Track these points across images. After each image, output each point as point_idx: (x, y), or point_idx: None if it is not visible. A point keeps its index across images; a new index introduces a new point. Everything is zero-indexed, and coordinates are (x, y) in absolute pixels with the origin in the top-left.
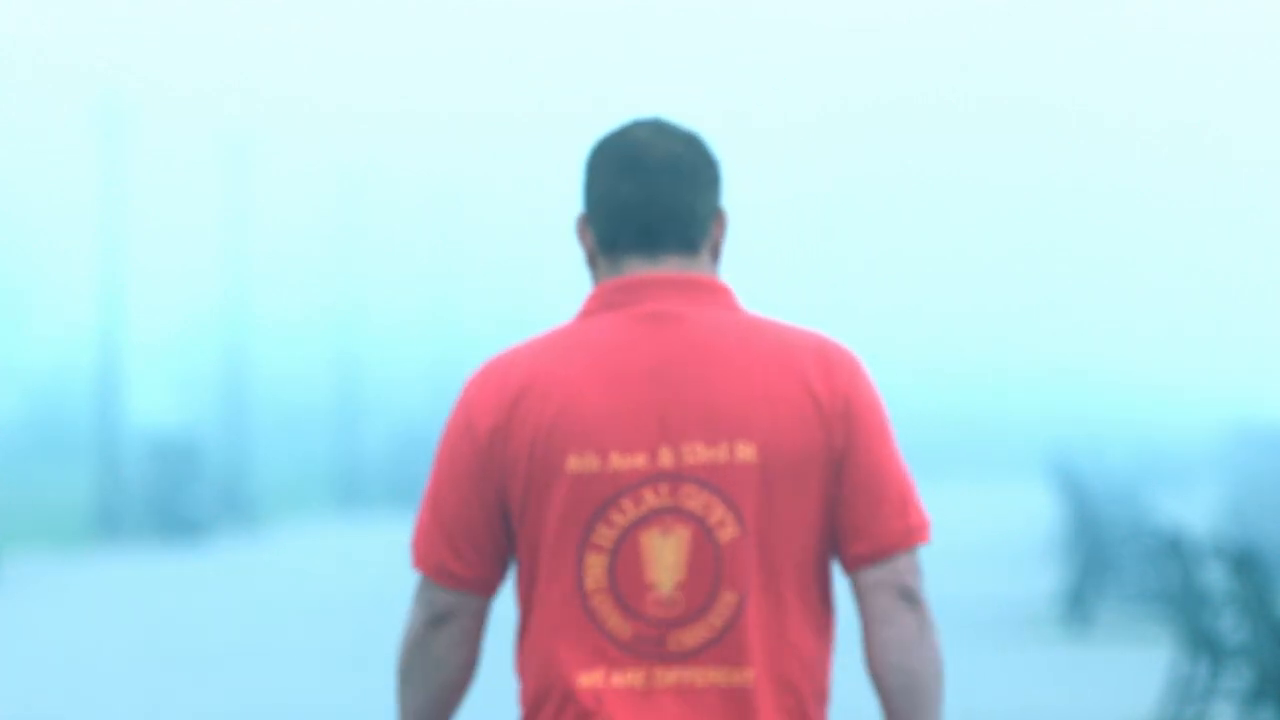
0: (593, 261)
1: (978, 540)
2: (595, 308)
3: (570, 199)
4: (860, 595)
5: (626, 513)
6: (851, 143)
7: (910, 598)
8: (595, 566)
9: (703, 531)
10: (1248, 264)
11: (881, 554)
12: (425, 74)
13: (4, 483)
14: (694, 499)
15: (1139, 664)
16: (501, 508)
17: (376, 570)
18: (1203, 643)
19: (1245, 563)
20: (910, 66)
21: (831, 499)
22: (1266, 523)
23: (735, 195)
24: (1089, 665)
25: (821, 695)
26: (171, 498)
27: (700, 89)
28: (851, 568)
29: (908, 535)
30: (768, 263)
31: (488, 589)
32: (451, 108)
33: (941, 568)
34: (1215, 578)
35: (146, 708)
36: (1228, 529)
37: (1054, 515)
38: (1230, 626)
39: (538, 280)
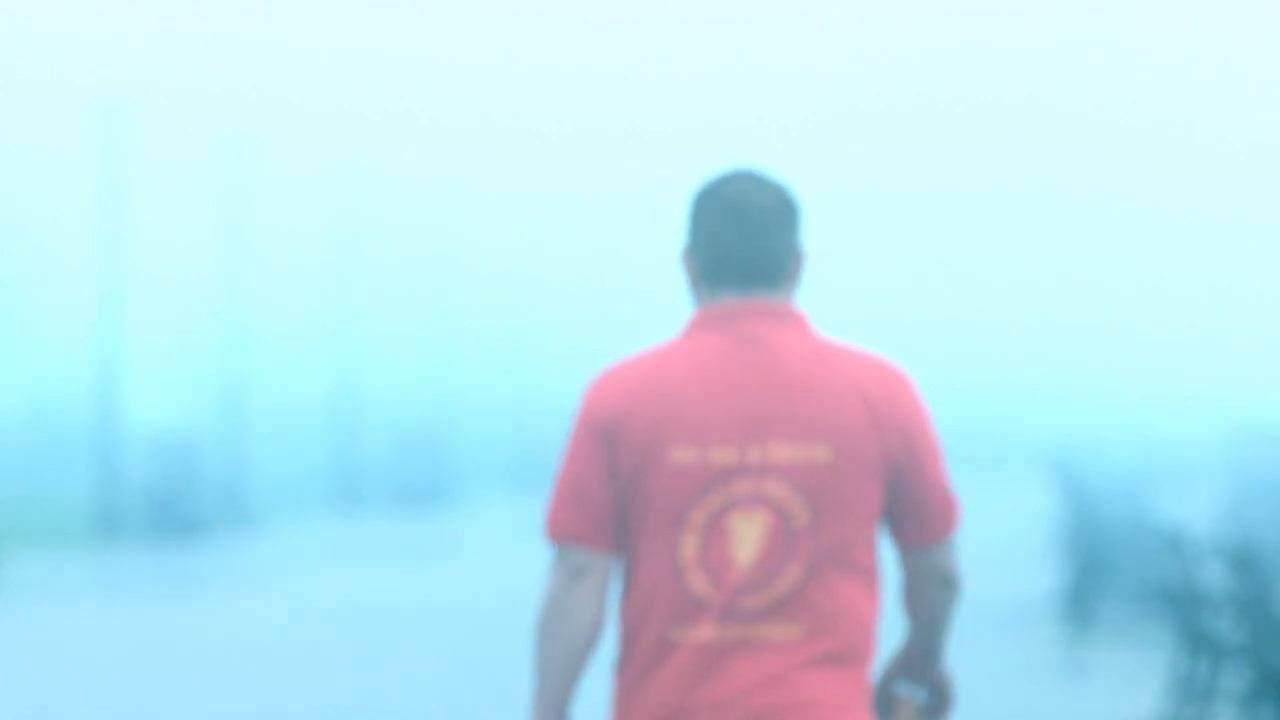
0: (695, 287)
1: (978, 540)
2: (697, 328)
3: (571, 199)
4: (906, 572)
5: (718, 498)
6: (852, 150)
7: (948, 580)
8: (689, 542)
9: (779, 517)
10: (1247, 267)
11: (925, 544)
12: (426, 77)
13: (4, 483)
14: (774, 490)
15: (1139, 664)
16: (618, 486)
17: (376, 570)
18: (1203, 643)
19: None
20: (908, 74)
21: (890, 498)
22: (1266, 523)
23: None
24: (1089, 665)
25: (866, 649)
26: (171, 498)
27: (703, 96)
28: (902, 551)
29: (946, 529)
30: None
31: (613, 551)
32: (452, 111)
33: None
34: (1215, 577)
35: (146, 708)
36: (1227, 529)
37: (1054, 515)
38: (1230, 626)
39: (538, 281)
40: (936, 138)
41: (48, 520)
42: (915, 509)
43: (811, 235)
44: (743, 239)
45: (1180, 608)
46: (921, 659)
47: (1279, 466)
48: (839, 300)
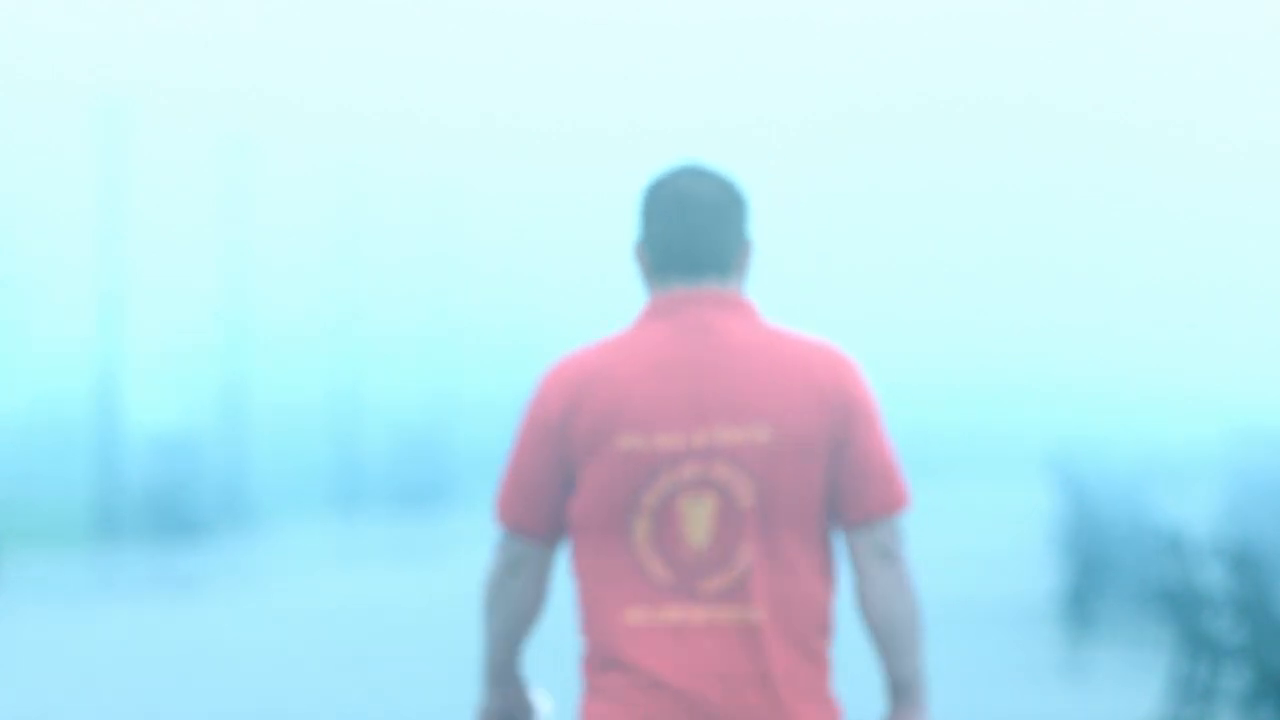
0: (647, 279)
1: (978, 540)
2: (648, 317)
3: (571, 200)
4: (851, 555)
5: (666, 483)
6: (852, 150)
7: (890, 556)
8: (641, 526)
9: (727, 498)
10: (1247, 267)
11: (867, 521)
12: (426, 77)
13: (4, 483)
14: (721, 472)
15: (1139, 664)
16: (566, 476)
17: (376, 570)
18: (1203, 643)
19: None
20: (908, 74)
21: (832, 474)
22: (1266, 523)
23: None
24: (1089, 665)
25: (823, 628)
26: (171, 498)
27: (703, 96)
28: (845, 531)
29: (889, 505)
30: (768, 269)
31: (554, 541)
32: (452, 111)
33: (943, 568)
34: (1215, 578)
35: (146, 708)
36: (1227, 530)
37: (1054, 515)
38: (1230, 627)
39: (538, 280)
40: (936, 138)
41: (48, 520)
42: (858, 484)
43: (811, 235)
44: (690, 230)
45: (1180, 608)
46: (903, 714)
47: (1278, 467)
48: (839, 300)
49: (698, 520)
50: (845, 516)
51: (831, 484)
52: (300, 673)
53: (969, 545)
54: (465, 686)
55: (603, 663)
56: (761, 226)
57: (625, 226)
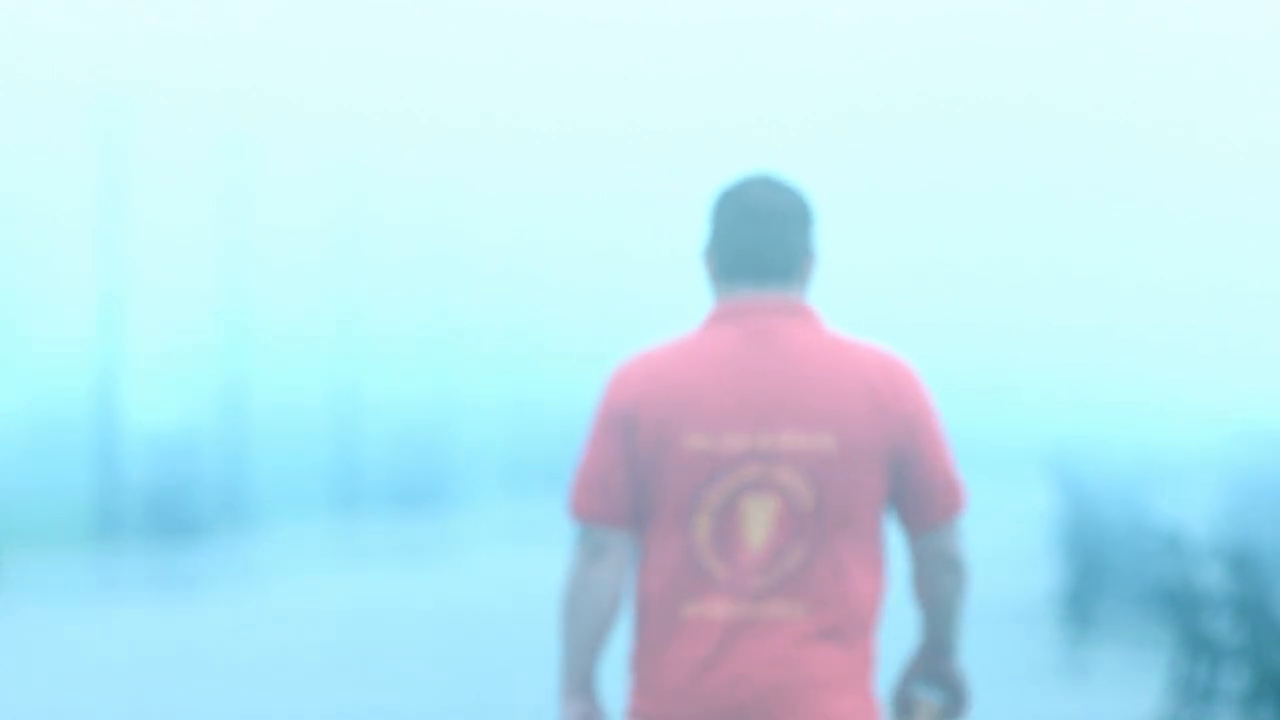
0: (714, 283)
1: (978, 541)
2: (713, 322)
3: (571, 200)
4: (914, 557)
5: (730, 483)
6: (852, 150)
7: (953, 562)
8: (703, 524)
9: (787, 501)
10: (1248, 268)
11: (930, 527)
12: (426, 77)
13: (4, 483)
14: (783, 475)
15: (1139, 665)
16: (636, 471)
17: (376, 570)
18: (1202, 643)
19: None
20: (908, 74)
21: (892, 482)
22: (1265, 524)
23: None
24: (1089, 666)
25: (869, 626)
26: (171, 498)
27: (703, 96)
28: (909, 535)
29: (949, 511)
30: None
31: (631, 529)
32: (452, 111)
33: None
34: (1214, 579)
35: (146, 708)
36: (1226, 530)
37: (1054, 516)
38: (1230, 627)
39: (538, 281)
40: (936, 138)
41: (48, 520)
42: (919, 493)
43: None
44: (758, 238)
45: (1180, 609)
46: (936, 660)
47: (1278, 468)
48: (839, 300)
49: (758, 520)
50: (908, 523)
51: (891, 491)
52: (300, 673)
53: (969, 545)
54: (465, 687)
55: (654, 653)
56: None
57: (625, 226)
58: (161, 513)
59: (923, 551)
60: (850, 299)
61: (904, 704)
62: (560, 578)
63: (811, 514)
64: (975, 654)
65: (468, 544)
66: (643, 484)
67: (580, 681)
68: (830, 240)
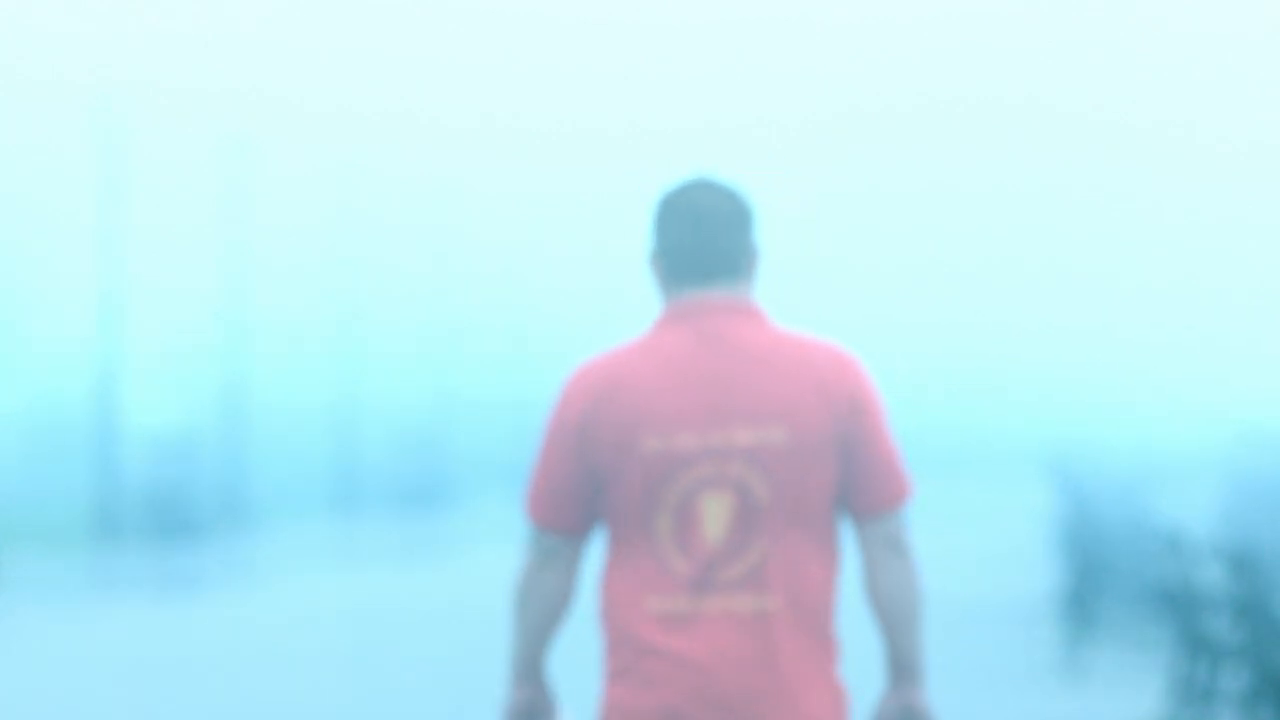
0: (662, 287)
1: (978, 541)
2: (664, 323)
3: (571, 200)
4: (860, 544)
5: (686, 481)
6: (852, 150)
7: (897, 546)
8: (663, 521)
9: (743, 495)
10: (1248, 268)
11: (875, 513)
12: (426, 77)
13: (4, 483)
14: (738, 471)
15: (1139, 665)
16: (591, 475)
17: (376, 570)
18: (1202, 644)
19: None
20: (908, 74)
21: (841, 470)
22: (1265, 524)
23: None
24: (1089, 666)
25: (829, 613)
26: (171, 498)
27: (703, 96)
28: (856, 522)
29: (895, 498)
30: (768, 269)
31: (582, 536)
32: (452, 111)
33: (943, 568)
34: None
35: (146, 708)
36: (1226, 530)
37: (1054, 516)
38: (1229, 628)
39: (538, 280)
40: (936, 138)
41: (48, 520)
42: (866, 479)
43: (811, 235)
44: (702, 240)
45: (1179, 609)
46: (904, 693)
47: (1278, 468)
48: (839, 300)
49: (715, 516)
50: (855, 510)
51: (840, 480)
52: (300, 673)
53: (969, 545)
54: (465, 686)
55: (625, 649)
56: (762, 227)
57: (624, 226)
58: (161, 513)
59: (869, 538)
60: (850, 298)
61: None
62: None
63: (767, 507)
64: (975, 654)
65: (468, 544)
66: (601, 487)
67: (527, 670)
68: (830, 240)
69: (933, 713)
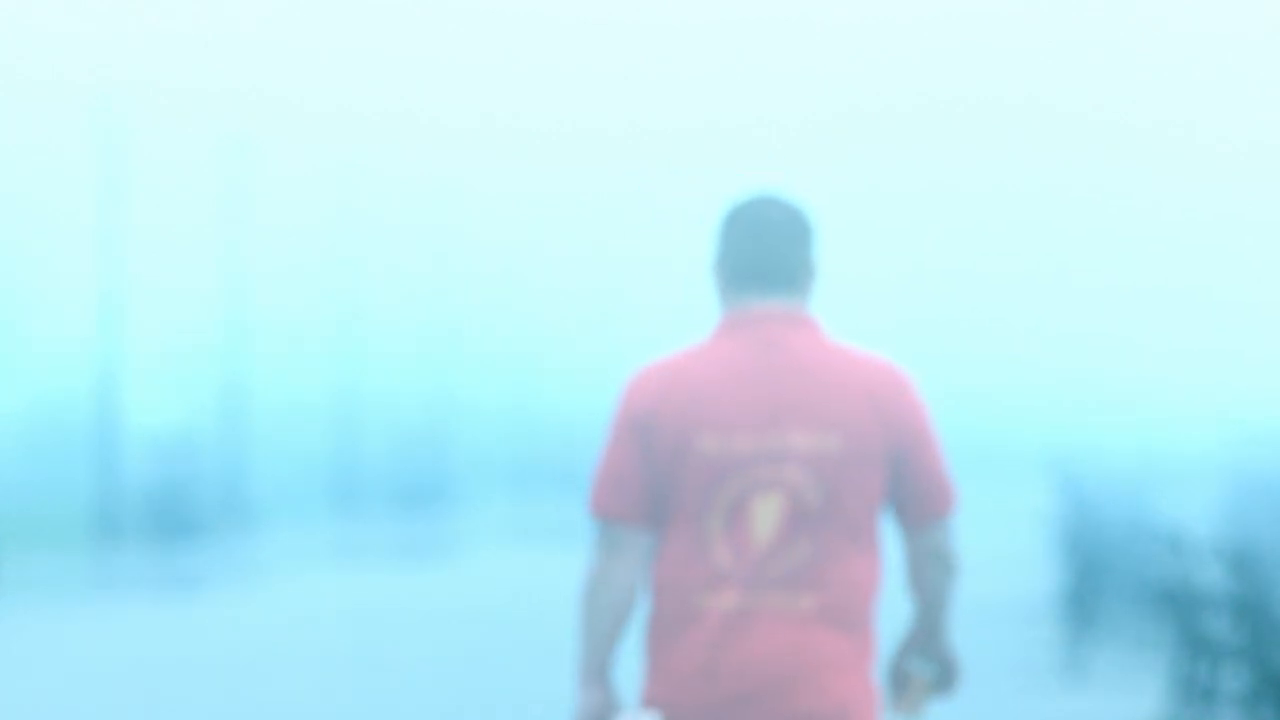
0: (723, 295)
1: (978, 541)
2: (724, 330)
3: (570, 200)
4: (908, 552)
5: (740, 482)
6: (852, 150)
7: (943, 557)
8: (715, 520)
9: (794, 499)
10: (1249, 268)
11: (923, 524)
12: (426, 77)
13: (4, 483)
14: (790, 474)
15: (1139, 665)
16: (653, 471)
17: (376, 570)
18: (1202, 643)
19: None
20: (908, 74)
21: (890, 481)
22: (1265, 524)
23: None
24: (1089, 665)
25: (869, 615)
26: (171, 498)
27: (703, 96)
28: (904, 531)
29: (942, 510)
30: None
31: (648, 527)
32: (452, 111)
33: None
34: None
35: (146, 708)
36: (1227, 530)
37: (1054, 516)
38: (1230, 627)
39: (537, 281)
40: (936, 138)
41: (48, 520)
42: (915, 492)
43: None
44: (765, 252)
45: (1180, 609)
46: (929, 638)
47: (1278, 468)
48: (839, 301)
49: (766, 517)
50: (905, 520)
51: (889, 490)
52: (300, 672)
53: (969, 545)
54: (465, 687)
55: (665, 641)
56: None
57: (625, 226)
58: (161, 513)
59: (916, 547)
60: (850, 299)
61: (899, 677)
62: (575, 576)
63: (816, 510)
64: (975, 654)
65: (468, 544)
66: (659, 483)
67: (597, 672)
68: (831, 240)
69: (956, 653)
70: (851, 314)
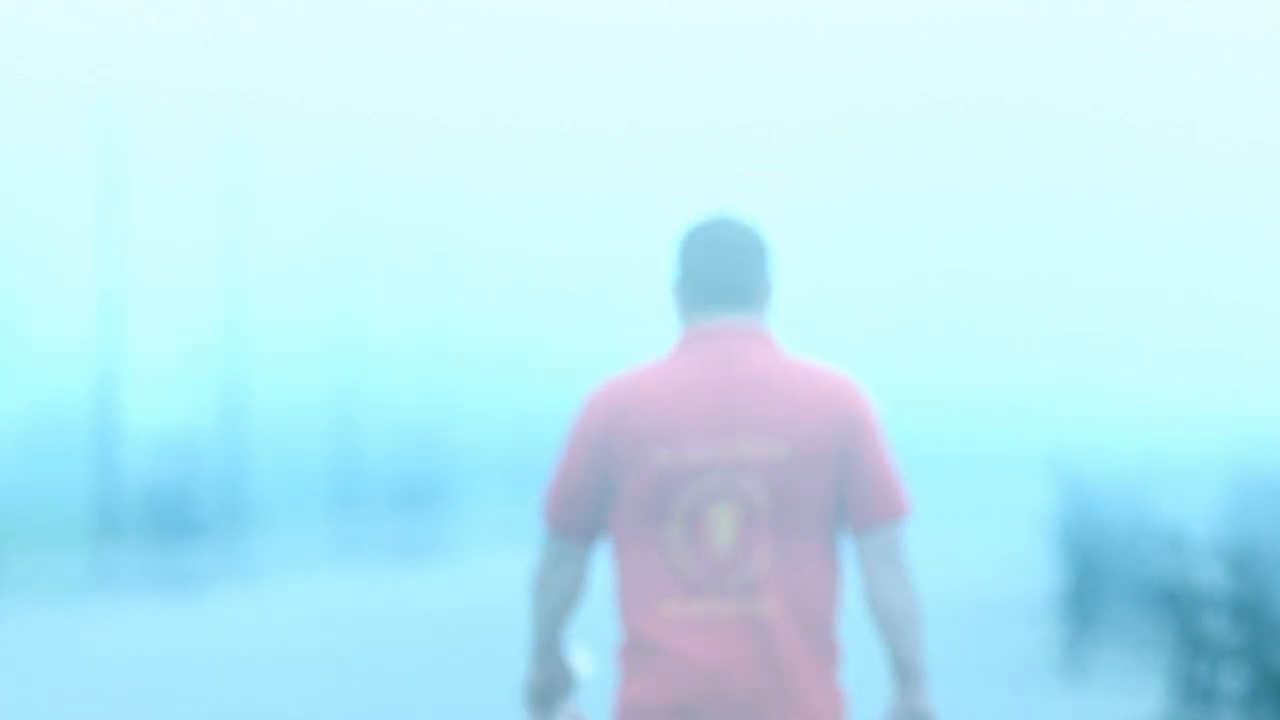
0: (682, 313)
1: (978, 541)
2: (683, 346)
3: (570, 201)
4: (858, 556)
5: (696, 491)
6: (852, 150)
7: (891, 559)
8: (673, 529)
9: (748, 505)
10: (1249, 269)
11: (871, 526)
12: (426, 77)
13: (4, 484)
14: (744, 482)
15: (1139, 664)
16: (606, 484)
17: (376, 570)
18: (1202, 643)
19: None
20: (908, 74)
21: (841, 484)
22: (1266, 524)
23: (740, 205)
24: (1089, 665)
25: (831, 620)
26: (171, 498)
27: (703, 96)
28: (853, 535)
29: (891, 512)
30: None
31: (592, 541)
32: (452, 111)
33: (943, 568)
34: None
35: (146, 708)
36: (1227, 530)
37: (1054, 516)
38: (1230, 627)
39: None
40: (936, 138)
41: (48, 520)
42: (864, 493)
43: (811, 235)
44: (719, 271)
45: (1180, 609)
46: (909, 698)
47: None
48: (839, 301)
49: (723, 524)
50: (853, 522)
51: (840, 494)
52: (300, 672)
53: (969, 545)
54: (465, 686)
55: (639, 649)
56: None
57: (625, 226)
58: (161, 513)
59: (865, 550)
60: (850, 299)
61: None
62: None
63: (771, 517)
64: (975, 654)
65: (467, 544)
66: (616, 496)
67: (545, 651)
68: (830, 240)
69: (936, 715)
70: (851, 314)
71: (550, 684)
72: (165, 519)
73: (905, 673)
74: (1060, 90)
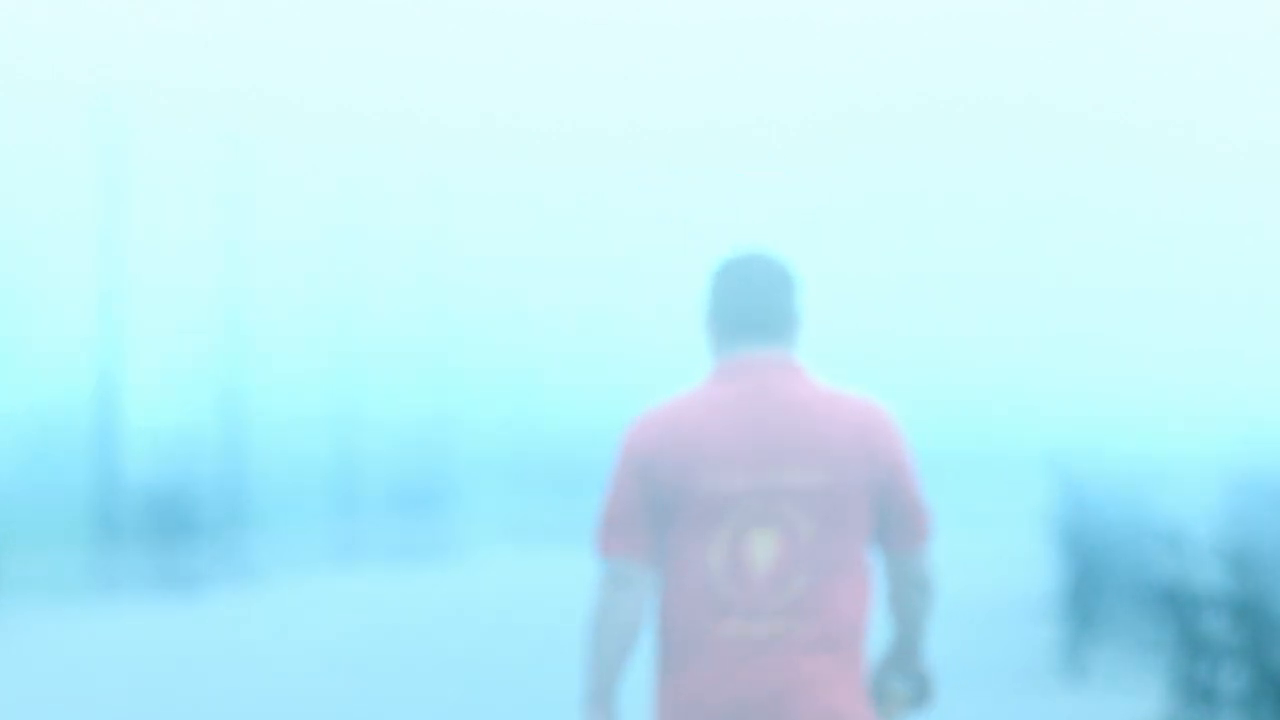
0: (715, 345)
1: (978, 541)
2: (718, 377)
3: (571, 201)
4: (889, 577)
5: (738, 517)
6: (852, 150)
7: (921, 581)
8: (716, 554)
9: (788, 531)
10: (1249, 269)
11: (903, 550)
12: (426, 77)
13: (5, 484)
14: (784, 510)
15: (1139, 664)
16: (654, 510)
17: (376, 570)
18: (1202, 643)
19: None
20: (908, 74)
21: (875, 512)
22: (1266, 524)
23: (740, 205)
24: (1089, 665)
25: (858, 636)
26: (171, 498)
27: (703, 96)
28: (886, 557)
29: (920, 537)
30: None
31: (648, 563)
32: (452, 111)
33: (943, 568)
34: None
35: (146, 708)
36: (1227, 530)
37: (1054, 515)
38: (1230, 627)
39: (538, 281)
40: (936, 138)
41: (48, 520)
42: (897, 521)
43: (811, 236)
44: (755, 304)
45: (1180, 609)
46: (906, 657)
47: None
48: (839, 301)
49: (764, 550)
50: (886, 546)
51: (874, 520)
52: (300, 672)
53: (969, 545)
54: (465, 687)
55: (673, 669)
56: (761, 227)
57: (624, 227)
58: (161, 513)
59: (896, 572)
60: (851, 299)
61: (879, 694)
62: (574, 576)
63: (809, 543)
64: (975, 654)
65: (468, 544)
66: (662, 522)
67: (601, 698)
68: (831, 241)
69: (932, 671)
70: (852, 314)
71: None
72: (165, 519)
73: (910, 646)
74: (1060, 90)
